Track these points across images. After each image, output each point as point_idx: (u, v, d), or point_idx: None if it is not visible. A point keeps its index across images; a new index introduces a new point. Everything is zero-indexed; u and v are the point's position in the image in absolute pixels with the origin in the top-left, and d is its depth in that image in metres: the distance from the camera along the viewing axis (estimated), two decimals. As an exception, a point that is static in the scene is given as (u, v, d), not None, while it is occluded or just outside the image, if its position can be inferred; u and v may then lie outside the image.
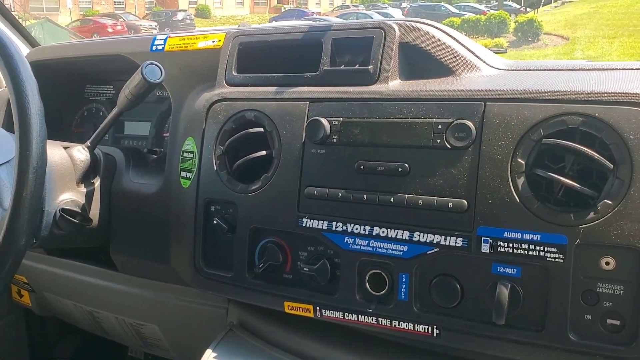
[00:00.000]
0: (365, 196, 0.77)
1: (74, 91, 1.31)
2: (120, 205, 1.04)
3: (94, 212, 1.02)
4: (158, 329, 1.20)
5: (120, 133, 1.27)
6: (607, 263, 0.65)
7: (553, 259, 0.67)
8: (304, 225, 0.82)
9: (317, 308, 0.82)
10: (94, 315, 1.31)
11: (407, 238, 0.75)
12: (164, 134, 1.21)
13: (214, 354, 0.88)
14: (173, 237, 0.98)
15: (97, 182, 1.02)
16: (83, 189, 1.00)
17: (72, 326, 1.50)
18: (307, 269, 0.82)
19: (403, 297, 0.76)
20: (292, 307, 0.84)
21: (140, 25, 21.91)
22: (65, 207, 0.94)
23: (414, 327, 0.76)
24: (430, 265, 0.74)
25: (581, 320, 0.67)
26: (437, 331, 0.74)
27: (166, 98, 1.19)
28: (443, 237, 0.73)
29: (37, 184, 0.78)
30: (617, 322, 0.65)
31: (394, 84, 0.82)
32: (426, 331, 0.75)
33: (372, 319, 0.78)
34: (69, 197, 0.97)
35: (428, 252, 0.74)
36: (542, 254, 0.67)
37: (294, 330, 0.89)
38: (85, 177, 1.01)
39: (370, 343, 0.84)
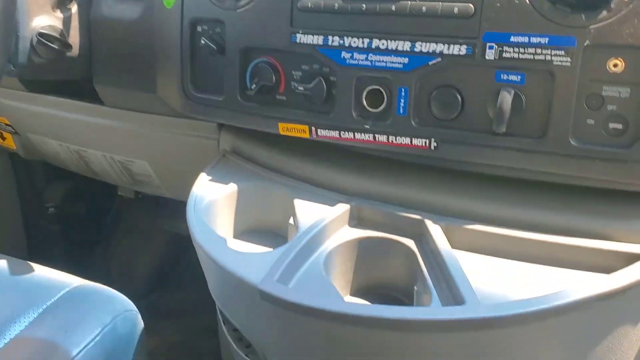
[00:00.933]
0: (364, 5, 0.73)
1: None
2: (101, 33, 0.98)
3: (74, 40, 0.96)
4: (148, 164, 1.19)
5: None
6: (615, 65, 0.63)
7: (560, 63, 0.64)
8: (297, 41, 0.78)
9: (313, 128, 0.81)
10: (80, 155, 1.30)
11: (409, 49, 0.72)
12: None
13: (209, 177, 0.88)
14: (159, 63, 0.93)
15: (73, 8, 0.96)
16: (59, 14, 0.94)
17: (60, 170, 1.49)
18: (302, 89, 0.79)
19: (401, 111, 0.74)
20: (287, 128, 0.83)
21: None
22: (42, 31, 0.89)
23: (411, 141, 0.75)
24: (431, 77, 0.72)
25: (583, 125, 0.66)
26: (435, 144, 0.73)
27: None
28: (446, 45, 0.69)
29: None
30: (620, 126, 0.65)
31: None
32: (424, 144, 0.74)
33: (368, 136, 0.77)
34: (45, 21, 0.91)
35: (430, 63, 0.71)
36: (548, 57, 0.65)
37: (288, 154, 0.88)
38: (61, 1, 0.94)
39: (366, 161, 0.83)
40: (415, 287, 0.70)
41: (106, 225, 1.68)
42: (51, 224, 1.62)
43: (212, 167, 0.91)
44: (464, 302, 0.61)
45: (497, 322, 0.59)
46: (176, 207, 1.35)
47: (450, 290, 0.64)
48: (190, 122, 1.01)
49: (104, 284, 0.94)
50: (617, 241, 0.67)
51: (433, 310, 0.60)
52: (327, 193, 0.82)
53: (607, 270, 0.65)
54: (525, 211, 0.71)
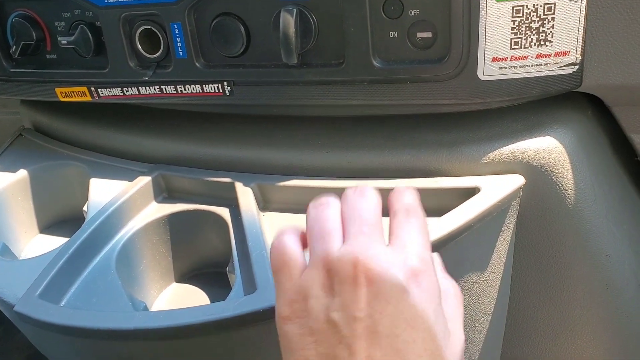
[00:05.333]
0: None
1: None
2: None
3: None
4: None
5: None
6: (408, -44, 0.49)
7: (341, -37, 0.50)
8: (45, -18, 0.62)
9: (92, 89, 0.65)
10: None
11: (167, -28, 0.56)
12: None
13: (-3, 165, 0.73)
14: None
15: None
16: None
17: None
18: (66, 42, 0.63)
19: (181, 54, 0.59)
20: (65, 93, 0.67)
21: None
22: None
23: (202, 88, 0.60)
24: (204, 6, 0.57)
25: (386, 39, 0.52)
26: (229, 88, 0.59)
27: None
28: (206, -39, 0.54)
29: None
30: (429, 34, 0.51)
31: None
32: (217, 90, 0.60)
33: (154, 89, 0.62)
34: None
35: (195, -10, 0.56)
36: (326, -42, 0.50)
37: (88, 123, 0.73)
38: None
39: (175, 120, 0.69)
40: (227, 268, 0.58)
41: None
42: None
43: (3, 151, 0.75)
44: (256, 288, 0.48)
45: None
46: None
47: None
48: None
49: None
50: (451, 175, 0.55)
51: (201, 310, 0.47)
52: (132, 164, 0.68)
53: (442, 212, 0.53)
54: (345, 155, 0.58)
